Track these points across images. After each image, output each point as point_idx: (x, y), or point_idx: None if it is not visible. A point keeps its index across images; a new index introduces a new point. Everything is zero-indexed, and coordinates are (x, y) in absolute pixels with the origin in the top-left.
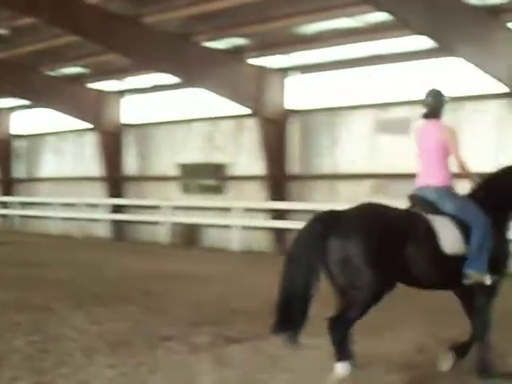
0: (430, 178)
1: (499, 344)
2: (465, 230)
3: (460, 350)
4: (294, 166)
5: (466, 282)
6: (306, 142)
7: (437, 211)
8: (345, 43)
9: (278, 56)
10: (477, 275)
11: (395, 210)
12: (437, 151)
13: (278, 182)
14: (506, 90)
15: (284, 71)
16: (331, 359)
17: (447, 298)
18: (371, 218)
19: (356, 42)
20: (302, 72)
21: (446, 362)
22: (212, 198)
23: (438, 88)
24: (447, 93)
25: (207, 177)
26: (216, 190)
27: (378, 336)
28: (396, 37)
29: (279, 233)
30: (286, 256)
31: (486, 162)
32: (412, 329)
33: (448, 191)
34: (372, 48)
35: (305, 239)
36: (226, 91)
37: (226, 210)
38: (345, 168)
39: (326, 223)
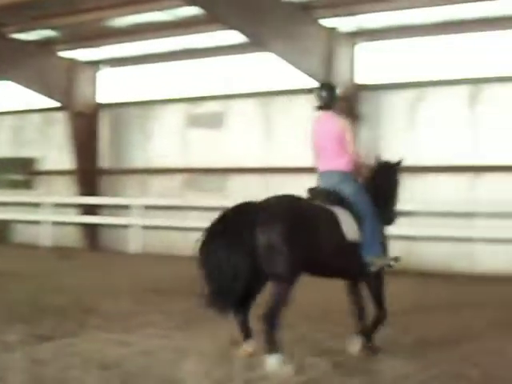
0: (332, 163)
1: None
2: (358, 219)
3: (366, 334)
4: (105, 160)
5: (371, 269)
6: (118, 136)
7: (335, 200)
8: (157, 37)
9: (88, 49)
10: (378, 260)
11: (305, 201)
12: (336, 140)
13: (89, 176)
14: (314, 84)
15: (95, 64)
16: (141, 354)
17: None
18: (290, 209)
19: (168, 36)
20: (114, 65)
21: (354, 346)
22: (21, 193)
23: (329, 81)
24: (339, 85)
25: (15, 172)
26: (25, 185)
27: (192, 331)
28: (208, 31)
29: (90, 228)
30: (210, 239)
31: (298, 154)
32: (227, 323)
33: (349, 176)
34: (184, 42)
35: (233, 227)
36: (34, 84)
37: (36, 205)
38: (157, 162)
39: (252, 213)
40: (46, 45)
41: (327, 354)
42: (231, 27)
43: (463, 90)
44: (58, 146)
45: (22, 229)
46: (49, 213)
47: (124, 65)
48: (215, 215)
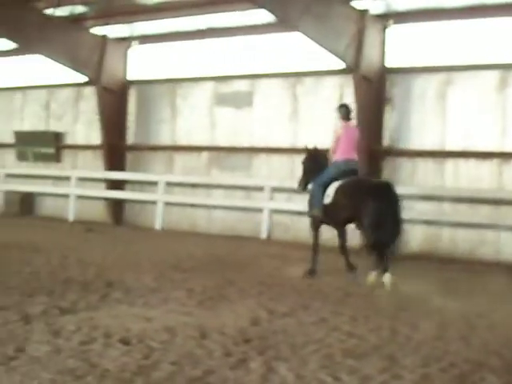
0: (354, 155)
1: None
2: None
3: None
4: (132, 136)
5: None
6: (146, 112)
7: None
8: (187, 15)
9: (119, 25)
10: None
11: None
12: (356, 140)
13: (116, 152)
14: (343, 65)
15: (125, 41)
16: (162, 330)
17: (279, 273)
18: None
19: (198, 13)
20: (144, 42)
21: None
22: (48, 166)
23: (346, 102)
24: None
25: (43, 145)
26: (52, 158)
27: (214, 309)
28: (238, 10)
29: (115, 203)
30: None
31: (324, 135)
32: (247, 302)
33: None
34: (214, 20)
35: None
36: (65, 59)
37: (63, 179)
38: (183, 140)
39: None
40: (77, 20)
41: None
42: (260, 6)
43: (493, 74)
44: (86, 120)
45: (48, 202)
46: (75, 187)
47: (154, 42)
48: (239, 194)
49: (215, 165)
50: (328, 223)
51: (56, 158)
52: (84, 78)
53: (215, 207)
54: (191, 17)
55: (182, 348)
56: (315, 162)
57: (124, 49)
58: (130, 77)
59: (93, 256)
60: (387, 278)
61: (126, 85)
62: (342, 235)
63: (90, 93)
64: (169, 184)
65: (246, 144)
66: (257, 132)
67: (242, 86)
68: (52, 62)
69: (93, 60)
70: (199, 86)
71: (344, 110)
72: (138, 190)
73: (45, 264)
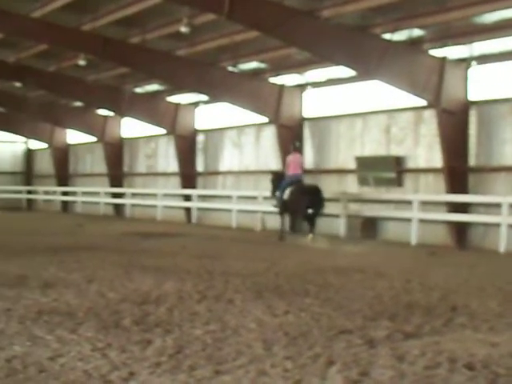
0: (298, 171)
1: None
2: None
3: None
4: (474, 158)
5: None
6: (487, 133)
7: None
8: None
9: (457, 46)
10: None
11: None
12: (300, 163)
13: (457, 174)
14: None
15: (464, 62)
16: (509, 356)
17: None
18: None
19: None
20: (483, 62)
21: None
22: (389, 190)
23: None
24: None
25: (384, 169)
26: (393, 182)
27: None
28: None
29: (458, 226)
30: None
31: None
32: None
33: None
34: None
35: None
36: (403, 83)
37: (404, 203)
38: None
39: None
40: (414, 44)
41: None
42: None
43: None
44: (427, 143)
45: (390, 226)
46: (417, 210)
47: (494, 61)
48: None
49: None
50: (286, 212)
51: (397, 182)
52: (423, 101)
53: None
54: None
55: None
56: (278, 178)
57: (463, 69)
58: (470, 98)
59: (436, 280)
60: (310, 236)
61: (466, 106)
62: (294, 218)
63: (430, 115)
64: None
65: None
66: None
67: None
68: (390, 86)
69: (432, 83)
70: None
71: (292, 147)
72: (481, 213)
73: (388, 288)
